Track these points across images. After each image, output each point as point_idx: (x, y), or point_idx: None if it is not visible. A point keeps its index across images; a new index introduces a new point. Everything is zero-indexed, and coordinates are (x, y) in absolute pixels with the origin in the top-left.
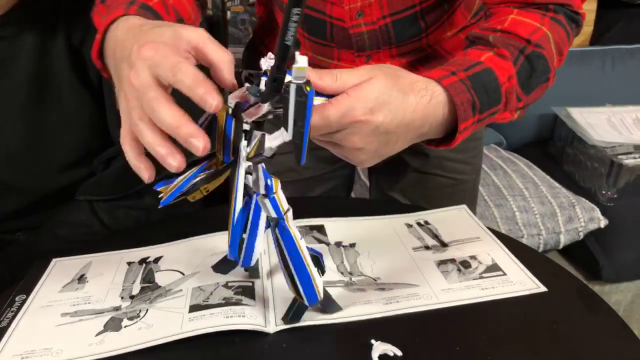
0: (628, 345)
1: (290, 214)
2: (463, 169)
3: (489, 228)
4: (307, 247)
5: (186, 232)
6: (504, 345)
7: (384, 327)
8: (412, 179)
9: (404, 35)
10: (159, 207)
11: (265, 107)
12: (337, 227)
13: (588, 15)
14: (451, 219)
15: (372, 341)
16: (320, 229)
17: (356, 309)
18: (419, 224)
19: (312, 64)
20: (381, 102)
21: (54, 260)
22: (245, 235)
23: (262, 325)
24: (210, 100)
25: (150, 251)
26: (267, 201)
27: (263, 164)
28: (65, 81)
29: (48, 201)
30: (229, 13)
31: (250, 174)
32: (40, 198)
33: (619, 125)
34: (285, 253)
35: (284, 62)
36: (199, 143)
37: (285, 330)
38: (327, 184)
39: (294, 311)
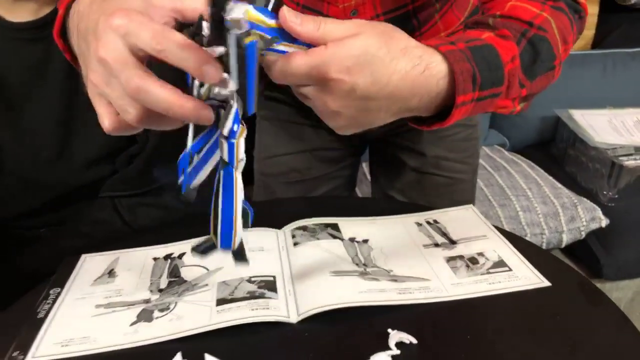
0: (627, 336)
1: (242, 164)
2: (460, 169)
3: (494, 226)
4: (243, 201)
5: (206, 230)
6: (510, 335)
7: (399, 316)
8: (411, 178)
9: None
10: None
11: (218, 50)
12: (350, 225)
13: (590, 19)
14: (459, 218)
15: (389, 330)
16: (335, 226)
17: (372, 295)
18: (428, 222)
19: None
20: (362, 61)
21: (83, 256)
22: (197, 157)
23: (285, 316)
24: (211, 72)
25: (173, 248)
26: (225, 144)
27: (238, 109)
28: None
29: (72, 198)
30: None
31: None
32: (64, 194)
33: (620, 127)
34: (220, 194)
35: (218, 8)
36: (209, 113)
37: (306, 320)
38: (329, 183)
39: (204, 247)
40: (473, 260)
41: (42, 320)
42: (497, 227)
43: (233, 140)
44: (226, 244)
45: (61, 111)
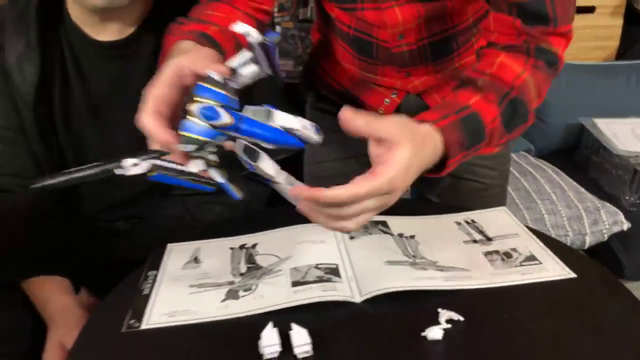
0: None
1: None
2: (492, 175)
3: (525, 226)
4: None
5: (269, 225)
6: (540, 316)
7: (446, 299)
8: (447, 183)
9: (438, 54)
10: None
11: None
12: (398, 223)
13: (614, 31)
14: (494, 218)
15: (439, 309)
16: (384, 223)
17: (422, 282)
18: (466, 222)
19: (360, 80)
20: (411, 166)
21: (168, 245)
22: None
23: (351, 296)
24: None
25: (246, 239)
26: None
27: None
28: None
29: (146, 195)
30: (279, 28)
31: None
32: (140, 192)
33: None
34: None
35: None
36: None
37: (368, 300)
38: None
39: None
40: (507, 255)
41: (148, 295)
42: (527, 227)
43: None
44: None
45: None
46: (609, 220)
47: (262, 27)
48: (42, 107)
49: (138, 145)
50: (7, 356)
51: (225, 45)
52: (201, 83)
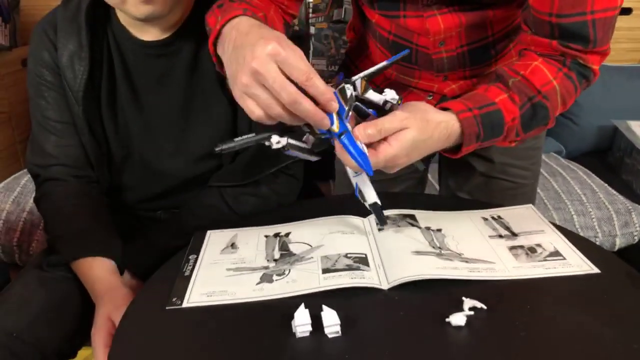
0: None
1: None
2: (524, 174)
3: (551, 223)
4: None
5: (302, 216)
6: (562, 307)
7: (470, 289)
8: (479, 181)
9: (477, 60)
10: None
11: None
12: (426, 217)
13: None
14: (520, 215)
15: (463, 297)
16: (412, 217)
17: (447, 271)
18: (493, 218)
19: (396, 82)
20: (414, 148)
21: (208, 232)
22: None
23: (378, 284)
24: (334, 104)
25: (280, 228)
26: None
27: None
28: (210, 92)
29: (184, 186)
30: (313, 29)
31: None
32: (178, 184)
33: None
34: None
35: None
36: (335, 104)
37: (395, 288)
38: (405, 183)
39: (378, 217)
40: (532, 250)
41: (189, 277)
42: (553, 224)
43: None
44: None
45: (179, 114)
46: None
47: (287, 28)
48: (91, 102)
49: (178, 133)
50: (57, 331)
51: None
52: (336, 92)
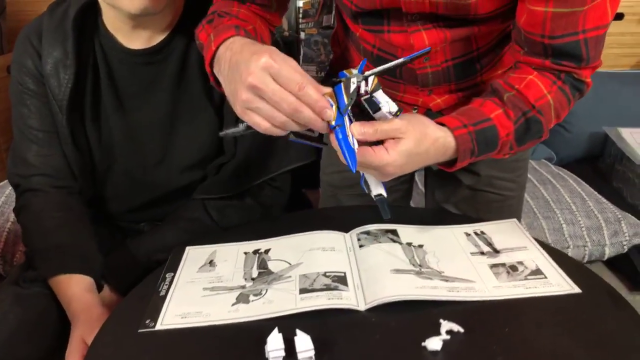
0: None
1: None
2: (510, 187)
3: (535, 239)
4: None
5: (283, 231)
6: (541, 330)
7: (448, 310)
8: (465, 194)
9: (462, 74)
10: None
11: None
12: (408, 232)
13: None
14: (503, 230)
15: (440, 320)
16: (394, 232)
17: (426, 291)
18: (475, 233)
19: None
20: (409, 160)
21: (187, 248)
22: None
23: (355, 305)
24: (328, 112)
25: (260, 244)
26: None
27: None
28: (196, 102)
29: (168, 198)
30: (303, 34)
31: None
32: (162, 194)
33: None
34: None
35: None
36: (330, 111)
37: (372, 309)
38: (390, 196)
39: (382, 209)
40: (513, 268)
41: (164, 297)
42: (537, 240)
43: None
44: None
45: (164, 123)
46: (630, 232)
47: (272, 37)
48: (75, 110)
49: (162, 143)
50: (34, 348)
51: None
52: (341, 83)
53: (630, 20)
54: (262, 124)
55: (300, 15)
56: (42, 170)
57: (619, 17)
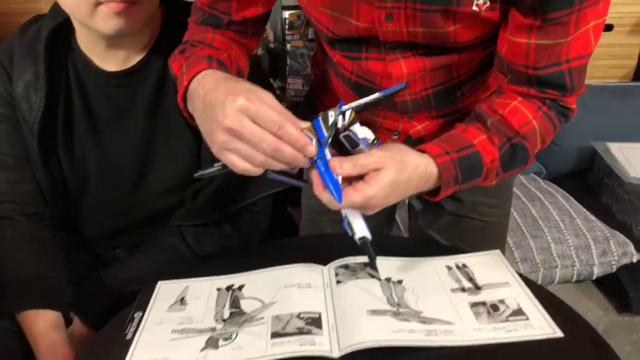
0: None
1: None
2: (493, 212)
3: (518, 273)
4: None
5: (260, 263)
6: None
7: (426, 355)
8: (448, 220)
9: (442, 102)
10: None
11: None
12: (387, 265)
13: (632, 50)
14: (486, 263)
15: None
16: (373, 265)
17: (403, 335)
18: (457, 266)
19: (361, 119)
20: (392, 189)
21: (159, 283)
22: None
23: (329, 351)
24: (309, 149)
25: (234, 279)
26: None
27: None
28: (173, 125)
29: (144, 223)
30: (289, 46)
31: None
32: (138, 220)
33: None
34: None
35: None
36: (312, 147)
37: (347, 355)
38: (371, 222)
39: (371, 258)
40: (494, 307)
41: (130, 341)
42: (519, 274)
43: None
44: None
45: (140, 147)
46: (618, 252)
47: (250, 60)
48: (47, 135)
49: (138, 167)
50: None
51: (231, 71)
52: (319, 117)
53: (620, 31)
54: (239, 165)
55: (286, 27)
56: (11, 198)
57: (608, 28)
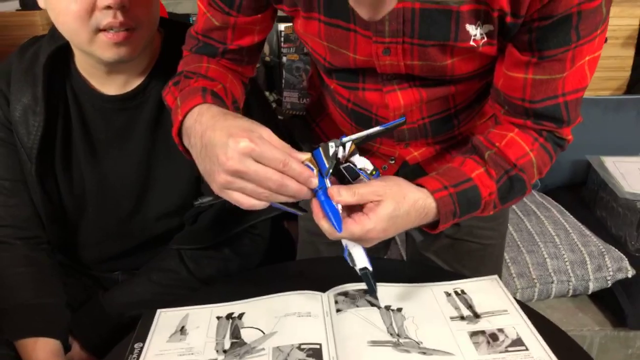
0: None
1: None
2: (490, 235)
3: (515, 299)
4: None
5: (259, 289)
6: None
7: None
8: (445, 243)
9: (439, 130)
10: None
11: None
12: (387, 292)
13: (625, 62)
14: (484, 289)
15: None
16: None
17: None
18: (456, 292)
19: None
20: (391, 224)
21: (158, 311)
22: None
23: None
24: (313, 181)
25: (234, 307)
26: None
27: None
28: (173, 147)
29: (144, 247)
30: (285, 59)
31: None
32: (138, 244)
33: None
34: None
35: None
36: (315, 180)
37: None
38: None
39: (370, 285)
40: (494, 337)
41: None
42: (517, 301)
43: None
44: (339, 226)
45: (139, 171)
46: (614, 267)
47: (245, 87)
48: (45, 158)
49: (137, 190)
50: None
51: (227, 102)
52: (320, 148)
53: (614, 43)
54: (245, 202)
55: (282, 40)
56: (8, 222)
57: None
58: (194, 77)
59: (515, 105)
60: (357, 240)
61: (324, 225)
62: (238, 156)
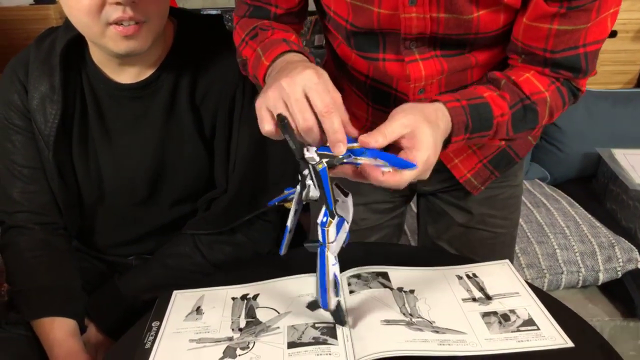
0: None
1: (333, 246)
2: (502, 224)
3: (527, 282)
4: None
5: (272, 273)
6: None
7: None
8: (458, 231)
9: None
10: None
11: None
12: (399, 275)
13: (635, 55)
14: (496, 273)
15: None
16: (385, 275)
17: (416, 345)
18: (467, 276)
19: (372, 127)
20: (434, 140)
21: (174, 292)
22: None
23: None
24: (341, 147)
25: (248, 289)
26: (319, 229)
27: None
28: (186, 134)
29: (157, 232)
30: None
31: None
32: (151, 229)
33: None
34: (317, 266)
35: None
36: (344, 148)
37: None
38: (381, 232)
39: (313, 304)
40: (505, 317)
41: (149, 350)
42: (529, 284)
43: (324, 228)
44: (324, 304)
45: (153, 157)
46: (624, 258)
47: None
48: (62, 146)
49: (151, 177)
50: None
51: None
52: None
53: (624, 37)
54: (266, 126)
55: None
56: (27, 207)
57: (613, 34)
58: (270, 30)
59: (535, 54)
60: (420, 175)
61: (383, 177)
62: (295, 78)
